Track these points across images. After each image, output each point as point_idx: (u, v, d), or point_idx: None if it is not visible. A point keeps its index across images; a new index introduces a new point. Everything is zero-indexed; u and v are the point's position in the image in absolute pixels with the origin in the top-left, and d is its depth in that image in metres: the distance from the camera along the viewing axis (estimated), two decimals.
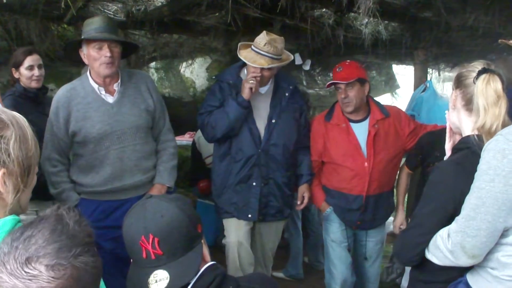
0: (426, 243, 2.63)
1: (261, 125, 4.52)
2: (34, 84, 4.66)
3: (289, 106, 4.64)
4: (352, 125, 4.65)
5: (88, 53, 3.87)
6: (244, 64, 4.57)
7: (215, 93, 4.55)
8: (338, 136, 4.65)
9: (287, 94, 4.63)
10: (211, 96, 4.58)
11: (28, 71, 4.62)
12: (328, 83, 4.72)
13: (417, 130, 4.77)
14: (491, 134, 2.46)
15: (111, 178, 4.07)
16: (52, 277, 1.32)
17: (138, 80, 4.24)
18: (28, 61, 4.63)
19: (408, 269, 4.94)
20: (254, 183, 4.54)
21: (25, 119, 1.97)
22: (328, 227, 4.87)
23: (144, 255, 1.96)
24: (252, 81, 4.31)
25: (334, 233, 4.83)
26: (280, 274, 6.63)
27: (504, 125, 2.48)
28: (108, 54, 3.84)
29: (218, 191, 4.70)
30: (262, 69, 4.34)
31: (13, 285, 1.32)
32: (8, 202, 1.81)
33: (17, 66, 4.63)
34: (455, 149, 2.72)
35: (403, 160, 4.93)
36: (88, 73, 4.03)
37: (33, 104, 4.67)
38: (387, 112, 4.74)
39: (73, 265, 1.36)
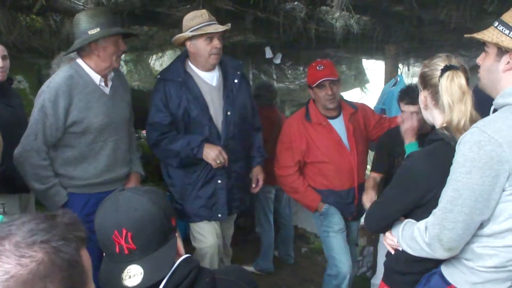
0: (388, 221, 2.81)
1: (218, 120, 4.45)
2: (0, 77, 4.50)
3: (240, 93, 4.60)
4: (330, 122, 4.79)
5: (106, 46, 3.90)
6: (186, 57, 4.52)
7: (160, 106, 4.38)
8: (321, 135, 4.78)
9: (236, 81, 4.58)
10: (158, 112, 4.39)
11: None
12: (319, 81, 4.68)
13: (381, 121, 5.07)
14: (459, 130, 2.52)
15: (106, 169, 4.09)
16: (15, 255, 1.25)
17: (117, 73, 4.28)
18: None
19: (380, 266, 5.01)
20: (219, 181, 4.49)
21: None
22: (331, 220, 4.93)
23: (117, 250, 1.92)
24: (219, 161, 4.33)
25: (337, 224, 4.93)
26: (251, 268, 6.61)
27: (471, 120, 2.54)
28: (125, 48, 4.00)
29: (182, 196, 4.56)
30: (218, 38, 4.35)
31: None
32: None
33: None
34: (429, 140, 2.76)
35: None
36: (81, 62, 3.98)
37: None
38: (355, 105, 4.99)
39: (40, 248, 1.28)
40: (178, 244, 2.02)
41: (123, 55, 9.51)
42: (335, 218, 4.91)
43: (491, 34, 2.46)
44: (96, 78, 3.98)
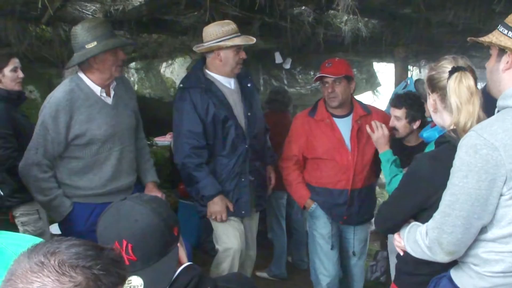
0: (394, 221, 2.82)
1: (241, 121, 4.53)
2: (17, 87, 4.66)
3: (253, 96, 4.74)
4: (336, 120, 4.74)
5: (105, 58, 3.88)
6: (203, 66, 4.59)
7: (192, 112, 4.38)
8: (322, 132, 4.73)
9: (249, 85, 4.71)
10: (191, 119, 4.39)
11: (13, 73, 4.60)
12: (317, 76, 4.75)
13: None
14: (465, 131, 2.47)
15: (111, 179, 4.09)
16: (57, 271, 1.26)
17: (121, 80, 4.28)
18: (13, 63, 4.62)
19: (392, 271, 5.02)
20: (243, 179, 4.56)
21: None
22: (315, 222, 4.92)
23: None
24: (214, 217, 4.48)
25: (321, 228, 4.88)
26: (264, 274, 6.61)
27: (479, 122, 2.49)
28: (125, 57, 4.02)
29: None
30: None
31: (23, 267, 1.28)
32: None
33: (1, 68, 4.58)
34: (437, 142, 2.76)
35: None
36: (82, 75, 3.97)
37: (14, 106, 4.67)
38: (369, 109, 4.89)
39: (82, 272, 1.29)
40: (180, 254, 2.02)
41: (134, 63, 9.61)
42: (320, 222, 4.88)
43: (493, 36, 2.44)
44: (97, 89, 3.97)
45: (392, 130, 4.41)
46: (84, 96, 3.91)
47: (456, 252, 2.40)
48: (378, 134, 4.08)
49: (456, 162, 2.33)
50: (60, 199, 3.95)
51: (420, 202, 2.66)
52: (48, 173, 3.92)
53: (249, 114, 4.58)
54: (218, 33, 4.35)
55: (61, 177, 4.00)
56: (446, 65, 2.71)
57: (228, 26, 4.39)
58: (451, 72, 2.62)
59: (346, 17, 5.92)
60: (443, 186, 2.44)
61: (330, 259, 4.89)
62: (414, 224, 2.68)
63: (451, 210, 2.32)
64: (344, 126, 4.74)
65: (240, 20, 4.67)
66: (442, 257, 2.43)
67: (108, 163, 4.06)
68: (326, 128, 4.73)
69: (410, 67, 7.91)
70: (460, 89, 2.56)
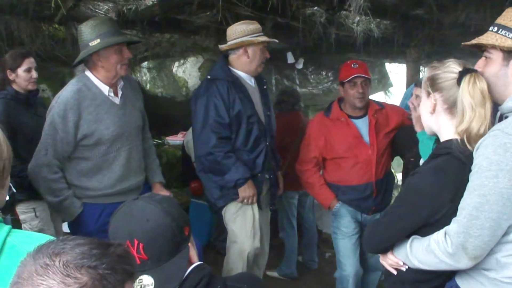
0: (392, 241, 2.67)
1: (262, 118, 4.60)
2: (31, 86, 4.67)
3: (268, 97, 4.82)
4: (353, 120, 4.81)
5: (108, 56, 3.86)
6: (226, 61, 4.62)
7: (220, 103, 4.40)
8: (339, 131, 4.79)
9: (265, 87, 4.79)
10: (218, 110, 4.41)
11: (27, 73, 4.61)
12: (352, 76, 4.71)
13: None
14: (478, 136, 2.37)
15: (120, 179, 4.08)
16: (61, 273, 1.25)
17: (128, 80, 4.28)
18: (27, 63, 4.62)
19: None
20: (259, 175, 4.62)
21: None
22: (340, 221, 4.96)
23: None
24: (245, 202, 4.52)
25: (346, 227, 4.93)
26: (274, 273, 6.61)
27: (489, 128, 2.39)
28: (130, 55, 3.98)
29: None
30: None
31: (29, 270, 1.28)
32: None
33: (15, 68, 4.60)
34: (434, 154, 2.61)
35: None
36: (89, 74, 3.97)
37: (25, 106, 4.66)
38: (382, 104, 5.01)
39: (87, 272, 1.28)
40: (190, 253, 2.02)
41: (146, 63, 9.64)
42: (344, 220, 4.92)
43: (494, 40, 2.39)
44: (105, 89, 3.96)
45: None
46: (92, 95, 3.90)
47: (481, 257, 2.30)
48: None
49: (482, 162, 2.24)
50: (71, 200, 3.94)
51: (424, 219, 2.51)
52: (58, 174, 3.92)
53: (268, 113, 4.66)
54: (246, 30, 4.42)
55: (70, 179, 3.99)
56: (454, 65, 2.53)
57: (254, 25, 4.47)
58: (463, 73, 2.46)
59: (358, 18, 5.93)
60: (449, 201, 2.38)
61: (354, 255, 4.96)
62: (414, 237, 2.57)
63: (479, 213, 2.22)
64: (361, 123, 4.80)
65: (253, 20, 4.69)
66: (466, 263, 2.31)
67: (117, 163, 4.05)
68: (343, 127, 4.78)
69: (422, 68, 7.88)
70: (474, 91, 2.41)
